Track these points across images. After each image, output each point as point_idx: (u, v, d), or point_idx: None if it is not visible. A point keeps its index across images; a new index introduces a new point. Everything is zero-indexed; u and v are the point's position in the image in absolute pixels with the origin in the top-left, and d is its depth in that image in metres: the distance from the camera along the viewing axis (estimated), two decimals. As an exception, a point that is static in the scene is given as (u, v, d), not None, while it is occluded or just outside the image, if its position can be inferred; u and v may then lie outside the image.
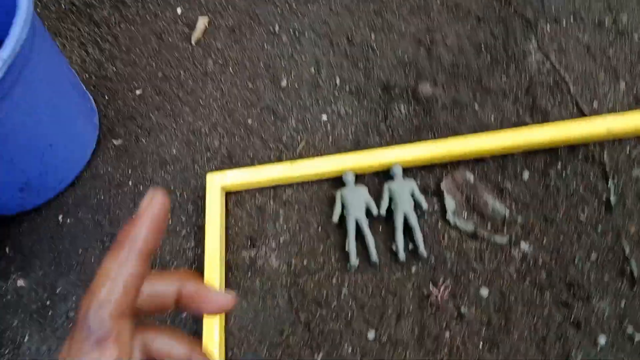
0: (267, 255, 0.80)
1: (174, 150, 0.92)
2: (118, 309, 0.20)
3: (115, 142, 0.95)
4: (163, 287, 0.24)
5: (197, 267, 0.80)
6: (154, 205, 0.22)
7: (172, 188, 0.88)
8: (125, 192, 0.89)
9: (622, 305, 0.69)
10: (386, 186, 0.80)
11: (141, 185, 0.89)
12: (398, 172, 0.80)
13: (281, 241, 0.80)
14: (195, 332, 0.75)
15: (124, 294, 0.20)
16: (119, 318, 0.20)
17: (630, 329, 0.67)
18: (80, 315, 0.20)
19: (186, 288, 0.25)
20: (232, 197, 0.85)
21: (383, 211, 0.78)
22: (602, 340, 0.67)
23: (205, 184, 0.83)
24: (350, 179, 0.81)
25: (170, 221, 0.85)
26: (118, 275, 0.20)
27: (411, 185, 0.79)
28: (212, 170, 0.88)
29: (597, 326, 0.68)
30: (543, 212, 0.77)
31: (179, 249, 0.82)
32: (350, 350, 0.71)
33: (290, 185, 0.85)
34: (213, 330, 0.72)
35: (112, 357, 0.19)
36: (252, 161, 0.88)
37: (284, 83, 0.95)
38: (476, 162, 0.82)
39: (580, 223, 0.76)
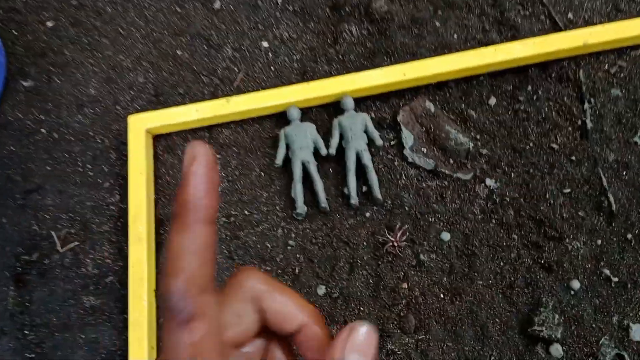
0: (203, 206, 0.70)
1: (92, 90, 0.79)
2: (197, 286, 0.19)
3: (25, 83, 0.81)
4: (289, 313, 0.23)
5: (123, 223, 0.70)
6: (199, 161, 0.20)
7: (91, 134, 0.76)
8: (39, 142, 0.77)
9: (598, 244, 0.62)
10: (336, 121, 0.69)
11: (56, 133, 0.77)
12: (349, 104, 0.69)
13: (219, 190, 0.70)
14: (121, 297, 0.67)
15: (200, 268, 0.19)
16: (200, 294, 0.19)
17: (607, 271, 0.61)
18: (163, 299, 0.19)
19: (307, 330, 0.23)
20: (161, 142, 0.74)
21: (333, 150, 0.68)
22: (575, 284, 0.60)
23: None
24: (295, 115, 0.70)
25: (91, 172, 0.74)
26: (189, 250, 0.19)
27: (364, 118, 0.69)
28: (137, 111, 0.76)
29: (570, 269, 0.62)
30: (511, 143, 0.68)
31: (102, 204, 0.72)
32: (298, 309, 0.64)
33: (227, 125, 0.74)
34: (141, 295, 0.64)
35: (199, 335, 0.18)
36: (183, 99, 0.76)
37: (217, 5, 0.81)
38: (437, 88, 0.71)
39: (552, 152, 0.67)
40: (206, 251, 0.20)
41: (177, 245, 0.19)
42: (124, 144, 0.74)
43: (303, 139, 0.68)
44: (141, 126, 0.71)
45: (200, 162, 0.20)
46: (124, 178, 0.72)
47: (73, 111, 0.78)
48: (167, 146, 0.74)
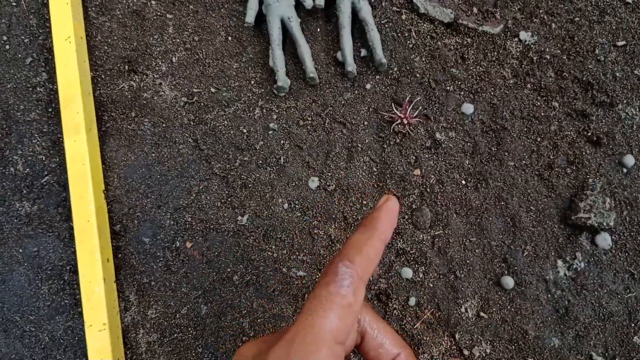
0: (156, 83, 0.54)
1: None
2: (362, 272, 0.22)
3: None
4: (386, 342, 0.24)
5: (55, 108, 0.55)
6: (390, 205, 0.25)
7: (1, -6, 0.58)
8: None
9: (661, 109, 0.49)
10: (323, -38, 0.52)
11: (-46, -5, 0.58)
12: (339, -62, 0.52)
13: (174, 61, 0.55)
14: (63, 200, 0.53)
15: (368, 263, 0.23)
16: (360, 280, 0.22)
17: (672, 142, 0.48)
18: (332, 267, 0.22)
19: None
20: (92, 0, 0.56)
21: (320, 0, 0.52)
22: (629, 160, 0.48)
23: (46, -18, 0.54)
24: (268, -44, 0.53)
25: (7, 45, 0.57)
26: (365, 247, 0.23)
27: (360, -43, 0.52)
28: (59, -39, 0.58)
29: (623, 141, 0.49)
30: (552, -15, 0.52)
31: (26, 85, 0.56)
32: (286, 206, 0.52)
33: (179, -25, 0.56)
34: (86, 196, 0.50)
35: (348, 301, 0.21)
36: (118, -59, 0.57)
37: None
38: None
39: (604, -4, 0.52)
40: (375, 256, 0.23)
41: (356, 240, 0.23)
42: (46, 4, 0.56)
43: (281, -11, 0.52)
44: (63, -22, 0.53)
45: (390, 205, 0.25)
46: (50, 50, 0.56)
47: (-26, -35, 0.59)
48: (100, 4, 0.56)
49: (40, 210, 0.53)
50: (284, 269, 0.51)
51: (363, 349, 0.25)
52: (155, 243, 0.52)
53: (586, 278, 0.48)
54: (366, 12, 0.51)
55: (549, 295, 0.48)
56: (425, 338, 0.48)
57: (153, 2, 0.55)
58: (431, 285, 0.49)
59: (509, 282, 0.48)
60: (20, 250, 0.53)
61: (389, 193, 0.25)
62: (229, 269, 0.51)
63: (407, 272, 0.49)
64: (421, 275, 0.49)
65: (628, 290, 0.47)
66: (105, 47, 0.55)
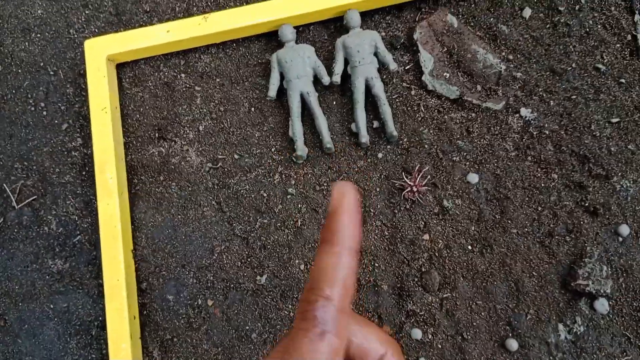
0: (184, 149, 0.59)
1: (39, 10, 0.64)
2: (340, 306, 0.21)
3: (-46, 2, 0.66)
4: (372, 345, 0.23)
5: (88, 172, 0.59)
6: (349, 197, 0.22)
7: (41, 64, 0.62)
8: (-22, 75, 0.63)
9: (653, 183, 0.53)
10: (339, 42, 0.57)
11: (0, 65, 0.63)
12: (355, 20, 0.57)
13: (201, 130, 0.59)
14: (93, 259, 0.57)
15: (345, 291, 0.21)
16: (340, 313, 0.21)
17: (664, 215, 0.52)
18: (306, 308, 0.21)
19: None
20: (126, 72, 0.61)
21: (337, 78, 0.57)
22: (624, 230, 0.52)
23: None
24: (289, 35, 0.58)
25: (45, 111, 0.61)
26: (337, 273, 0.21)
27: (373, 38, 0.57)
28: (95, 34, 0.63)
29: (618, 212, 0.53)
30: (549, 63, 0.57)
31: (61, 149, 0.60)
32: (302, 267, 0.55)
33: (206, 50, 0.61)
34: (116, 256, 0.54)
35: (332, 347, 0.20)
36: (150, 18, 0.63)
37: None
38: (461, -2, 0.59)
39: (598, 74, 0.56)
40: (349, 278, 0.21)
41: (324, 267, 0.21)
42: (82, 75, 0.61)
43: (300, 65, 0.56)
44: (101, 53, 0.58)
45: (349, 197, 0.22)
46: (85, 117, 0.60)
47: (17, 37, 0.64)
48: (134, 77, 0.61)
49: (72, 268, 0.57)
50: (300, 328, 0.53)
51: (348, 356, 0.24)
52: (179, 301, 0.55)
53: (585, 342, 0.51)
54: (378, 88, 0.56)
55: (550, 358, 0.51)
56: (434, 397, 0.51)
57: (183, 75, 0.60)
58: (440, 346, 0.52)
59: (513, 344, 0.51)
60: (52, 306, 0.56)
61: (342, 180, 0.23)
62: (247, 327, 0.54)
63: (417, 333, 0.52)
64: (430, 336, 0.52)
65: (625, 354, 0.50)
66: (138, 116, 0.60)
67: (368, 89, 0.56)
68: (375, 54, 0.57)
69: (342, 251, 0.21)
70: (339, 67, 0.57)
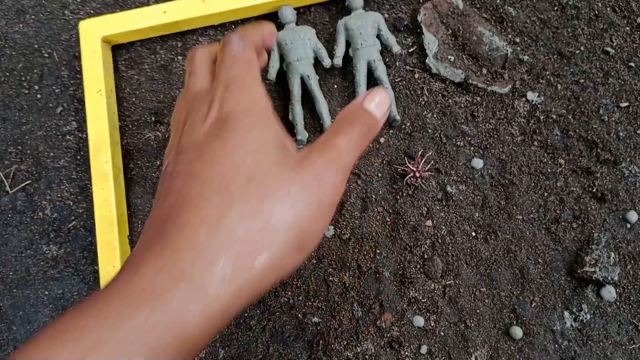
0: (181, 133, 0.57)
1: (32, -10, 0.63)
2: (251, 42, 0.31)
3: (-54, -17, 0.65)
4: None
5: (83, 156, 0.57)
6: (264, 27, 0.34)
7: (35, 46, 0.61)
8: (-29, 57, 0.62)
9: (662, 168, 0.52)
10: (341, 24, 0.56)
11: (-9, 46, 0.61)
12: (357, 1, 0.55)
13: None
14: (89, 245, 0.56)
15: (257, 38, 0.33)
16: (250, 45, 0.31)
17: (674, 201, 0.51)
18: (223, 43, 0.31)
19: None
20: (122, 54, 0.59)
21: (338, 60, 0.55)
22: (632, 216, 0.51)
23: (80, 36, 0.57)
24: (289, 16, 0.56)
25: (39, 94, 0.60)
26: (253, 32, 0.32)
27: (376, 20, 0.55)
28: (90, 15, 0.61)
29: (627, 198, 0.52)
30: (557, 46, 0.56)
31: (56, 133, 0.58)
32: (302, 254, 0.54)
33: (205, 31, 0.59)
34: (112, 241, 0.52)
35: (242, 45, 0.31)
36: (148, -1, 0.61)
37: None
38: (467, -21, 0.57)
39: (607, 57, 0.55)
40: (259, 40, 0.33)
41: (243, 29, 0.32)
42: (77, 57, 0.60)
43: (300, 48, 0.55)
44: (96, 34, 0.57)
45: (263, 26, 0.34)
46: (80, 101, 0.59)
47: (11, 19, 0.62)
48: (129, 59, 0.59)
49: (67, 254, 0.56)
50: (299, 315, 0.52)
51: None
52: (176, 287, 0.54)
53: (592, 329, 0.50)
54: (381, 71, 0.54)
55: (556, 346, 0.49)
56: (436, 386, 0.50)
57: (180, 58, 0.58)
58: (442, 333, 0.51)
59: (517, 332, 0.50)
60: (46, 293, 0.55)
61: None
62: (246, 314, 0.53)
63: (419, 321, 0.51)
64: (432, 323, 0.51)
65: (632, 342, 0.49)
66: (133, 99, 0.58)
67: (370, 72, 0.55)
68: (378, 36, 0.55)
69: (254, 31, 0.32)
70: (340, 50, 0.55)
